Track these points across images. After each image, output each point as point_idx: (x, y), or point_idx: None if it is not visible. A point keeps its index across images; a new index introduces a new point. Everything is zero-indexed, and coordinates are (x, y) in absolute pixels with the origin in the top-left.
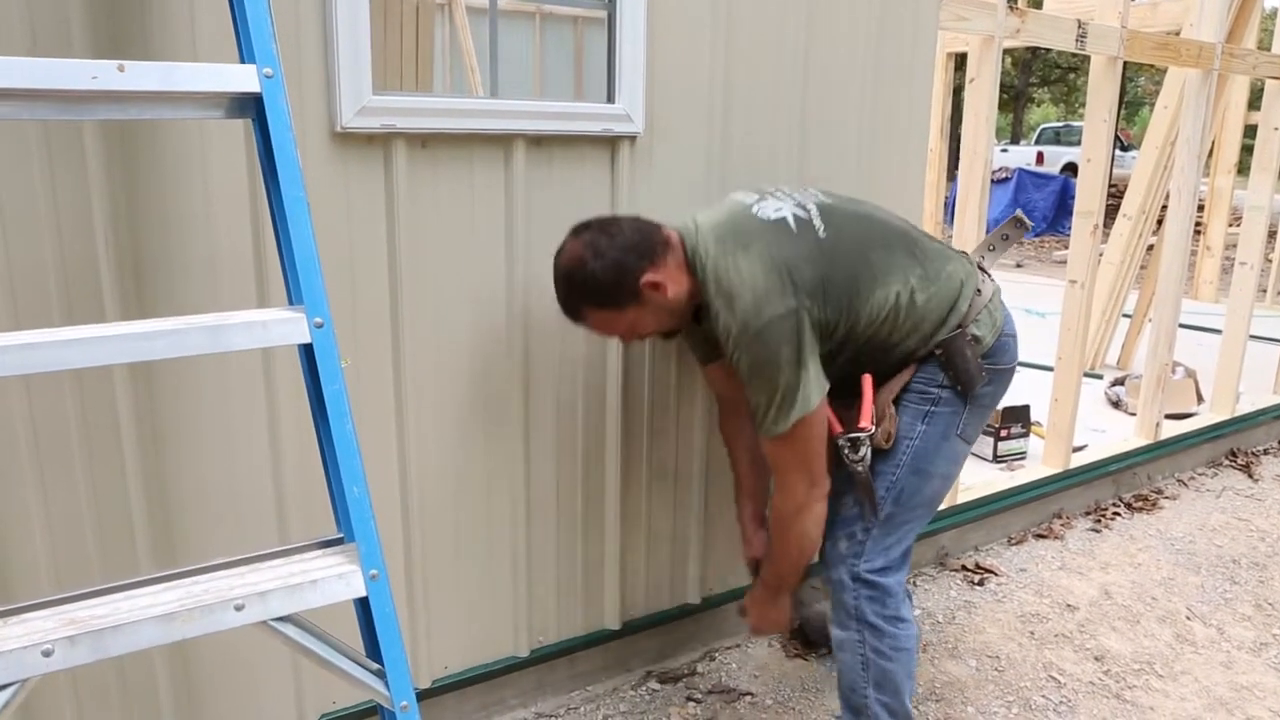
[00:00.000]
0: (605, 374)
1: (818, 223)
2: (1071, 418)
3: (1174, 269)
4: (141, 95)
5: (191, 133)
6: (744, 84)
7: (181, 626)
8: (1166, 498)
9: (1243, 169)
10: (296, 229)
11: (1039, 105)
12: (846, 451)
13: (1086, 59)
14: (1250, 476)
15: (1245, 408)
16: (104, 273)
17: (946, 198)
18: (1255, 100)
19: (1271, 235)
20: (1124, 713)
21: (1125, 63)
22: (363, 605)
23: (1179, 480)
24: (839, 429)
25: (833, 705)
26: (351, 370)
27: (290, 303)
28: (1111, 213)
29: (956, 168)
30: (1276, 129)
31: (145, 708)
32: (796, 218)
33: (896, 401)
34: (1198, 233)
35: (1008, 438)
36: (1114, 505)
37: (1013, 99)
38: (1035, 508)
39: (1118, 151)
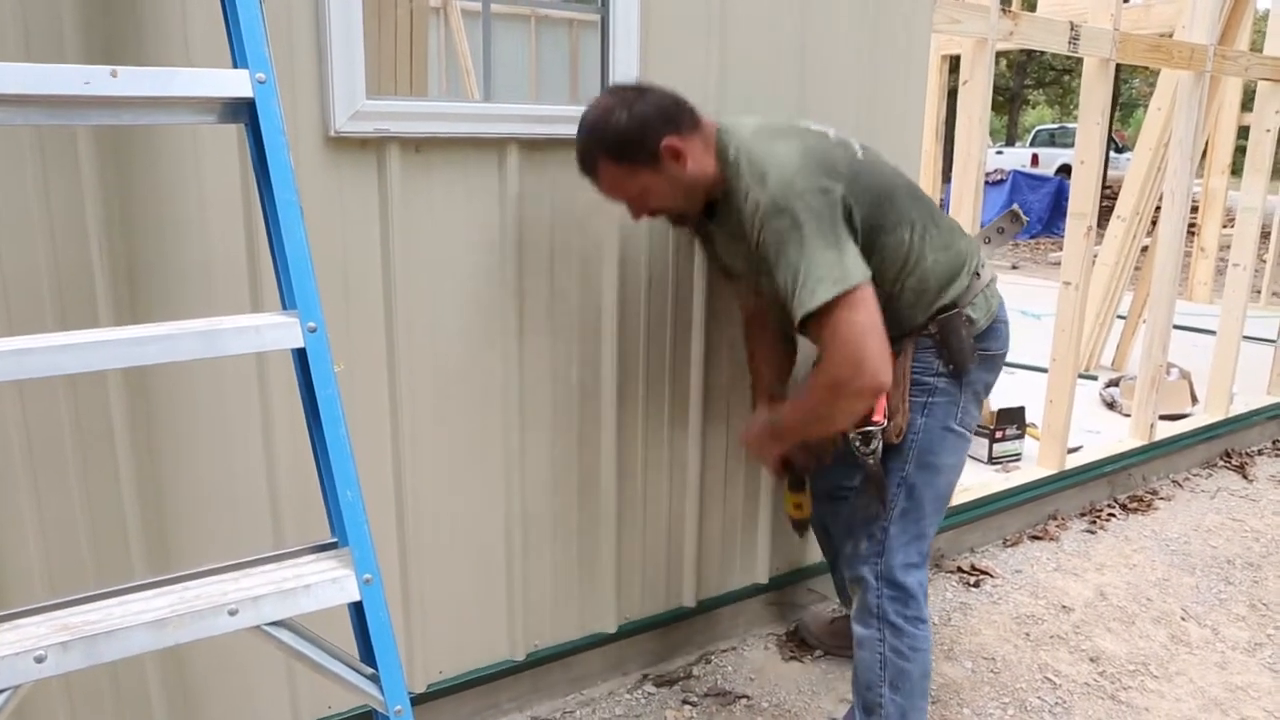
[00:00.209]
0: (600, 375)
1: (856, 147)
2: (1066, 419)
3: (1168, 270)
4: (135, 100)
5: (185, 137)
6: (739, 86)
7: (174, 632)
8: (1161, 499)
9: (1236, 170)
10: (289, 234)
11: (1034, 107)
12: (858, 444)
13: (1081, 61)
14: (1245, 477)
15: (1239, 408)
16: (98, 277)
17: (941, 199)
18: (1249, 101)
19: (1265, 236)
20: (1119, 714)
21: (1119, 65)
22: (357, 609)
23: (1174, 481)
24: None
25: (829, 708)
26: (345, 374)
27: (284, 307)
28: (1106, 214)
29: (951, 169)
30: (1269, 131)
31: (139, 713)
32: (838, 136)
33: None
34: (1192, 234)
35: (1003, 439)
36: (1109, 506)
37: (1008, 101)
38: (1030, 509)
39: (1112, 153)
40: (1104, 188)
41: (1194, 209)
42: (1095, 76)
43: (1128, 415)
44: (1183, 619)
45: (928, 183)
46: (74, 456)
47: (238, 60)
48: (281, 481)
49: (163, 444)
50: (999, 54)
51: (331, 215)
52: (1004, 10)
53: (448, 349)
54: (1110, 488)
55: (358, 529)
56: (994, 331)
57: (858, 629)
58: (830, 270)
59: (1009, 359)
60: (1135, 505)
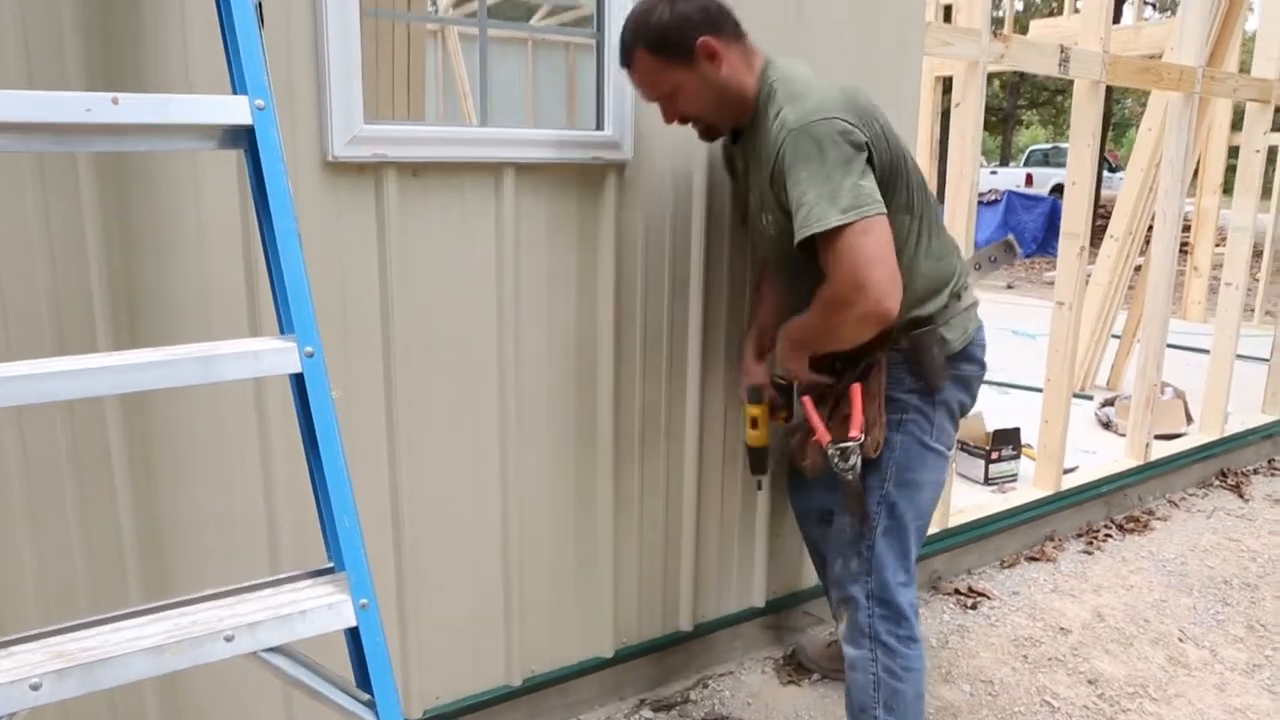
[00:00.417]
0: (596, 400)
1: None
2: (1061, 439)
3: (1160, 290)
4: (136, 127)
5: (184, 161)
6: None
7: (171, 658)
8: (1158, 519)
9: (1228, 189)
10: (288, 259)
11: (1027, 127)
12: (837, 460)
13: (1073, 82)
14: (1241, 496)
15: (1234, 428)
16: (97, 301)
17: None
18: (1239, 121)
19: (1257, 255)
20: None
21: (1110, 85)
22: (353, 635)
23: (1170, 501)
24: (827, 437)
25: None
26: (343, 399)
27: (281, 332)
28: (1100, 233)
29: (944, 189)
30: (1258, 151)
31: None
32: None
33: None
34: (1185, 253)
35: (998, 460)
36: (1105, 527)
37: (1001, 121)
38: (1027, 530)
39: (1105, 173)
40: (1097, 207)
41: (1186, 228)
42: (1086, 98)
43: (1123, 435)
44: (1181, 640)
45: None
46: (70, 478)
47: (237, 86)
48: (279, 505)
49: (160, 467)
50: (992, 75)
51: (329, 239)
52: (995, 34)
53: (445, 372)
54: (1107, 508)
55: (354, 554)
56: (969, 354)
57: (849, 650)
58: (845, 196)
59: (1004, 379)
60: (1132, 526)
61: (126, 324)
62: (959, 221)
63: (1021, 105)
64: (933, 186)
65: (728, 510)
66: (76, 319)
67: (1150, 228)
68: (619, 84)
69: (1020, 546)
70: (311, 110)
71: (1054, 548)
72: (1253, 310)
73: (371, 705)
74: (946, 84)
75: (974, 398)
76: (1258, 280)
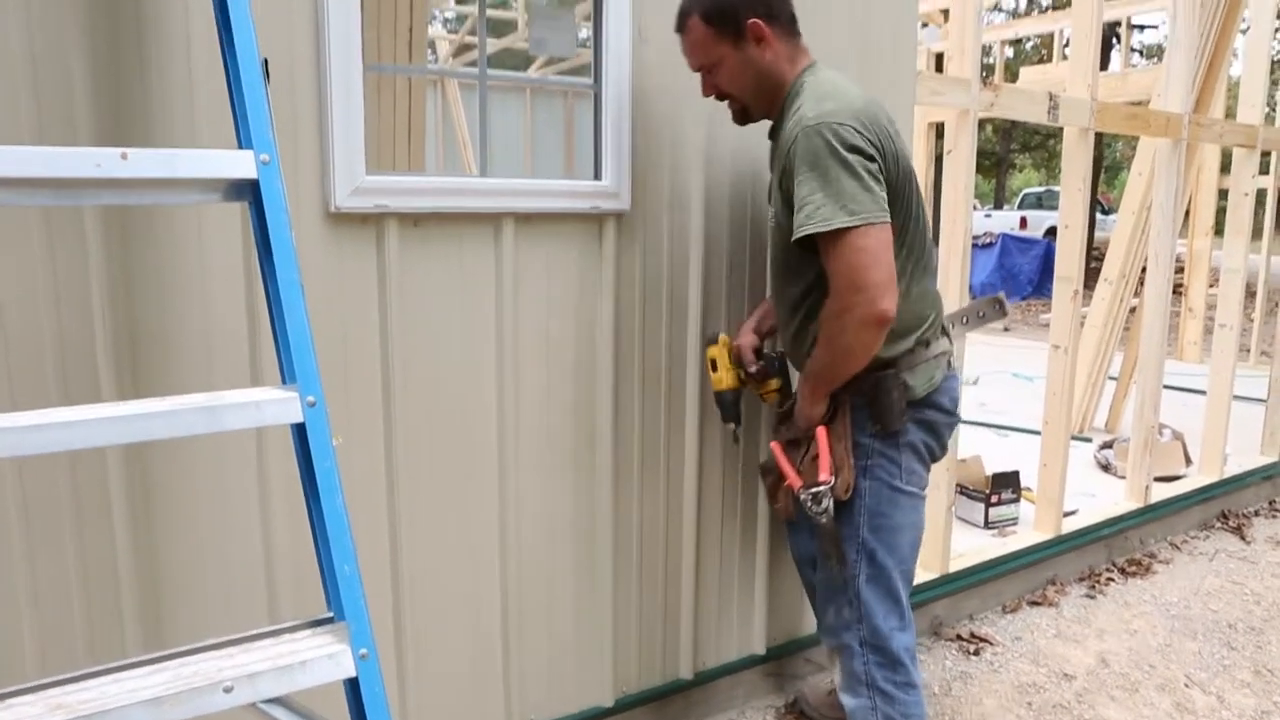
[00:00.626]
0: (595, 446)
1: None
2: (1061, 482)
3: (1155, 332)
4: (144, 182)
5: (188, 210)
6: (729, 156)
7: (170, 710)
8: (1160, 561)
9: (1219, 230)
10: (291, 310)
11: (1020, 170)
12: (809, 504)
13: (1063, 128)
14: (1242, 539)
15: (1233, 469)
16: (100, 348)
17: None
18: (1228, 164)
19: (1251, 296)
20: None
21: (1099, 132)
22: (352, 685)
23: (1171, 544)
24: (798, 483)
25: None
26: (343, 447)
27: (283, 381)
28: (1094, 276)
29: (938, 233)
30: (1246, 194)
31: None
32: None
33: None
34: (1179, 294)
35: (998, 504)
36: (1107, 570)
37: (995, 165)
38: (1029, 574)
39: (1099, 215)
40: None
41: (1180, 269)
42: (1075, 144)
43: (1123, 477)
44: (1187, 686)
45: None
46: (70, 522)
47: (243, 141)
48: (278, 552)
49: (159, 512)
50: (984, 120)
51: (331, 288)
52: (985, 82)
53: (445, 421)
54: (1108, 551)
55: (354, 603)
56: (932, 401)
57: (848, 700)
58: (850, 199)
59: (1003, 422)
60: (1134, 569)
61: (129, 369)
62: (953, 266)
63: (1014, 149)
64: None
65: (727, 556)
66: (80, 364)
67: (1143, 270)
68: (617, 134)
69: (1022, 591)
70: (314, 162)
71: (1056, 592)
72: (1249, 350)
73: None
74: (939, 130)
75: (944, 443)
76: (1252, 320)
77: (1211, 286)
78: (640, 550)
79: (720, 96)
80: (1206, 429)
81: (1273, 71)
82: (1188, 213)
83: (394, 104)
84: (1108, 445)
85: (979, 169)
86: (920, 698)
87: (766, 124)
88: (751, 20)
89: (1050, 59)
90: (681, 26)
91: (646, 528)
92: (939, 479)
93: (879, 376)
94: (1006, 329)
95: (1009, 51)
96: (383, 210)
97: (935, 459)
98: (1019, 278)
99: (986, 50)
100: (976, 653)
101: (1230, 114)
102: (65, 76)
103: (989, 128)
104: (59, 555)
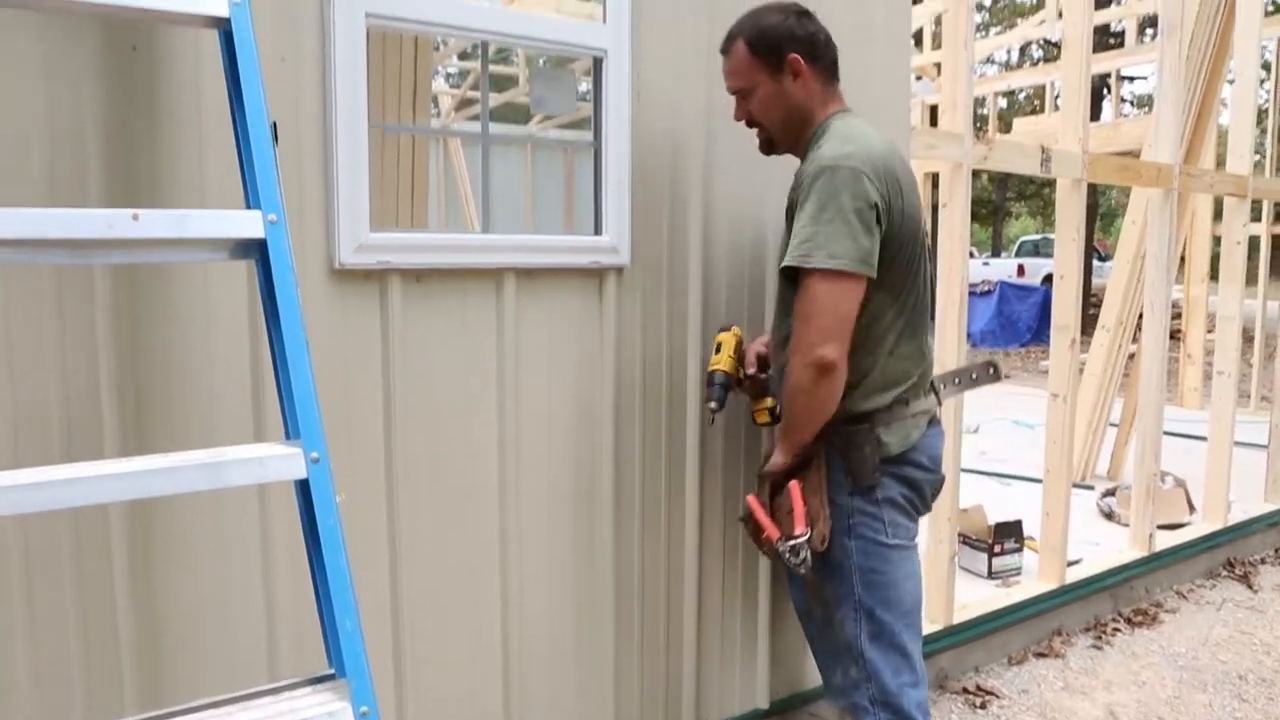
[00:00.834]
0: (595, 503)
1: (927, 231)
2: (1063, 532)
3: (1153, 380)
4: (154, 242)
5: (195, 265)
6: (727, 212)
7: None
8: (1166, 611)
9: (1215, 275)
10: (295, 366)
11: (1017, 218)
12: (788, 557)
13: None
14: (1249, 587)
15: (1238, 516)
16: (105, 402)
17: None
18: (1221, 209)
19: (1249, 341)
20: None
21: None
22: None
23: (1178, 592)
24: (775, 535)
25: None
26: (345, 503)
27: (287, 436)
28: (1092, 322)
29: (935, 283)
30: (1239, 242)
31: None
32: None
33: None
34: (1177, 339)
35: (1001, 553)
36: (1114, 620)
37: (991, 213)
38: (1034, 625)
39: (1096, 261)
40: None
41: (1177, 316)
42: (1069, 195)
43: (1126, 525)
44: None
45: None
46: (70, 574)
47: (251, 201)
48: (279, 607)
49: (160, 567)
50: (980, 170)
51: (334, 342)
52: (978, 136)
53: (446, 476)
54: (1114, 601)
55: (355, 659)
56: (910, 459)
57: None
58: (833, 244)
59: (1006, 470)
60: (1140, 619)
61: (133, 421)
62: (950, 316)
63: (1010, 197)
64: None
65: (728, 608)
66: (85, 416)
67: (1140, 316)
68: (617, 190)
69: (1028, 642)
70: (320, 219)
71: (1062, 643)
72: (1249, 396)
73: None
74: (935, 179)
75: (925, 498)
76: (1251, 366)
77: (1209, 332)
78: (642, 604)
79: (750, 123)
80: (1209, 476)
81: (1261, 120)
82: (1183, 258)
83: (397, 158)
84: (1110, 493)
85: (976, 217)
86: None
87: (769, 176)
88: (792, 55)
89: (1043, 110)
90: (726, 48)
91: (648, 578)
92: (941, 530)
93: (852, 430)
94: (1007, 376)
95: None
96: (386, 266)
97: (920, 512)
98: (1018, 325)
99: (981, 101)
100: (983, 706)
101: (1221, 161)
102: (79, 132)
103: (985, 177)
104: (58, 606)
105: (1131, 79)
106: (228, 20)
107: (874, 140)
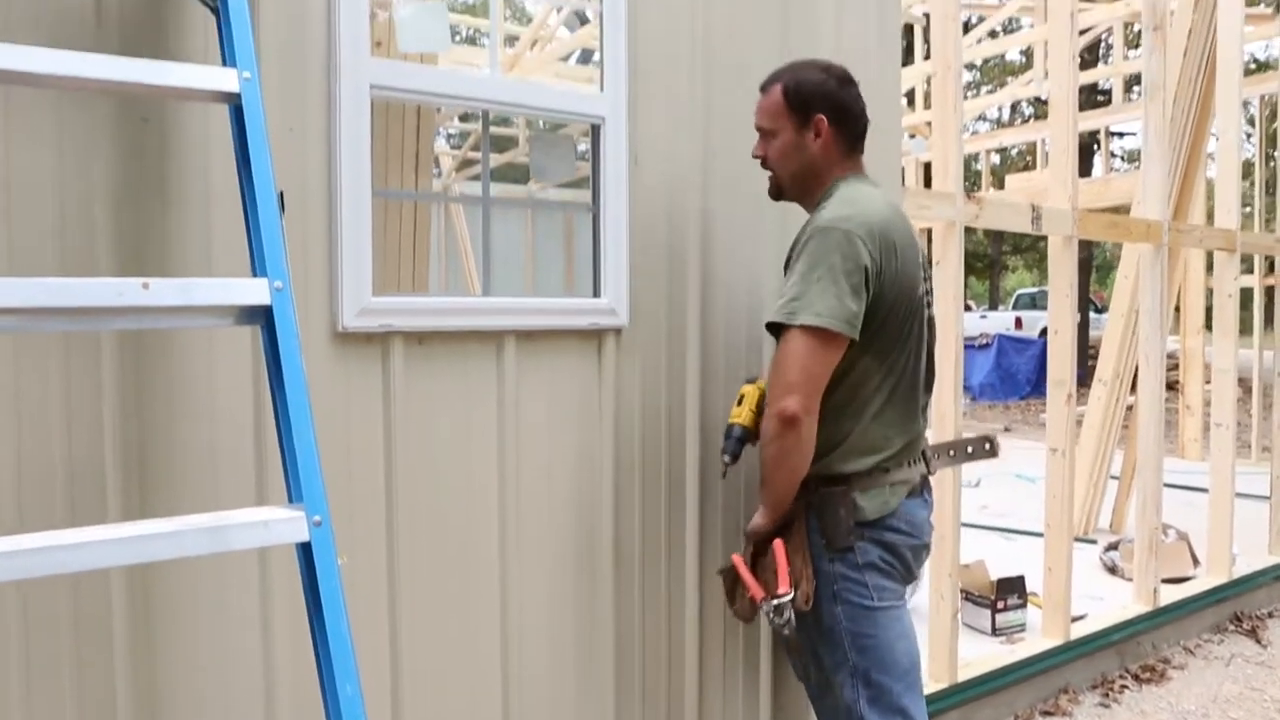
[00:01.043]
0: (596, 566)
1: (929, 299)
2: (1066, 586)
3: (1151, 434)
4: (162, 309)
5: (200, 330)
6: (724, 273)
7: None
8: (1174, 667)
9: (1210, 326)
10: (299, 430)
11: (1013, 271)
12: (772, 617)
13: None
14: (1258, 642)
15: (1242, 569)
16: (109, 464)
17: None
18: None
19: (1249, 391)
20: None
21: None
22: None
23: (1185, 648)
24: (760, 594)
25: None
26: (347, 566)
27: (290, 499)
28: (1094, 373)
29: None
30: (1230, 296)
31: None
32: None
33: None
34: (1175, 390)
35: (1005, 610)
36: (1121, 677)
37: (988, 267)
38: (1039, 682)
39: (1093, 314)
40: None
41: (1175, 366)
42: (1060, 252)
43: (1129, 579)
44: None
45: None
46: (69, 644)
47: (257, 268)
48: (278, 673)
49: (161, 634)
50: (973, 228)
51: (336, 404)
52: (968, 195)
53: (447, 537)
54: (1120, 657)
55: None
56: (889, 525)
57: None
58: (818, 303)
59: (1008, 525)
60: (1148, 675)
61: (136, 483)
62: (946, 374)
63: (1006, 250)
64: None
65: (730, 672)
66: (88, 476)
67: (1138, 369)
68: (615, 254)
69: (1034, 699)
70: (323, 283)
71: (1069, 700)
72: (1250, 446)
73: None
74: (929, 235)
75: (907, 563)
76: (1251, 416)
77: (1207, 383)
78: (643, 665)
79: (765, 165)
80: (1211, 530)
81: (1249, 174)
82: (1178, 308)
83: (400, 221)
84: (1113, 546)
85: (973, 270)
86: None
87: (765, 237)
88: (819, 115)
89: (1036, 165)
90: (765, 87)
91: (649, 641)
92: (943, 586)
93: (827, 492)
94: (1007, 429)
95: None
96: (388, 329)
97: (905, 579)
98: (1017, 377)
99: (974, 158)
100: None
101: (1211, 214)
102: (89, 199)
103: (980, 231)
104: (56, 676)
105: (1121, 134)
106: (238, 95)
107: (875, 205)
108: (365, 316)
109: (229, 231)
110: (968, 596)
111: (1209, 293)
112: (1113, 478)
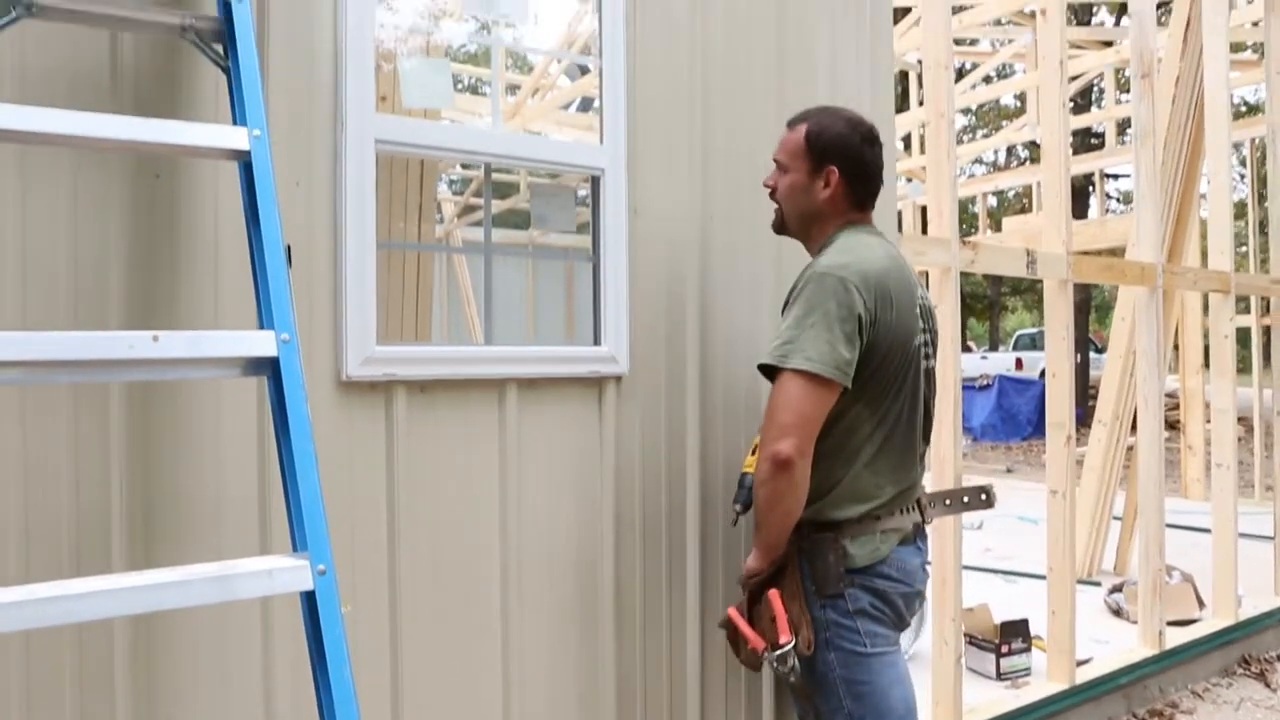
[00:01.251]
0: (598, 612)
1: (929, 351)
2: (1070, 630)
3: (1152, 476)
4: (172, 361)
5: (208, 380)
6: (723, 320)
7: None
8: (1182, 712)
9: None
10: (304, 480)
11: (1013, 312)
12: (776, 666)
13: None
14: (1267, 685)
15: (1249, 611)
16: (115, 513)
17: None
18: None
19: (1250, 430)
20: None
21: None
22: None
23: (1193, 692)
24: (761, 645)
25: None
26: (349, 615)
27: (294, 548)
28: (1094, 412)
29: None
30: (1226, 337)
31: None
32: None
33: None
34: (1176, 429)
35: (1009, 653)
36: None
37: (987, 308)
38: None
39: (1093, 354)
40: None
41: (1175, 406)
42: (1056, 295)
43: (1134, 622)
44: None
45: None
46: (71, 695)
47: (264, 321)
48: (280, 719)
49: (162, 686)
50: (969, 272)
51: (340, 451)
52: (964, 241)
53: (449, 583)
54: (1127, 701)
55: None
56: (879, 571)
57: None
58: (810, 347)
59: (1011, 568)
60: None
61: (141, 531)
62: (945, 417)
63: (1005, 291)
64: None
65: (732, 716)
66: (94, 527)
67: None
68: (615, 302)
69: None
70: (328, 333)
71: None
72: (1252, 485)
73: None
74: (926, 278)
75: (898, 610)
76: (1253, 454)
77: (1208, 423)
78: (645, 716)
79: (773, 196)
80: (1216, 571)
81: (1243, 215)
82: (1176, 347)
83: (403, 269)
84: (1117, 589)
85: (972, 311)
86: None
87: (763, 283)
88: (832, 167)
89: (1031, 208)
90: (792, 124)
91: (650, 690)
92: (946, 630)
93: (818, 537)
94: (1009, 470)
95: (993, 200)
96: (391, 378)
97: (898, 625)
98: (1018, 418)
99: (971, 201)
100: None
101: (1205, 252)
102: (103, 253)
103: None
104: None
105: (1116, 176)
106: (248, 152)
107: (874, 255)
108: (369, 366)
109: (236, 283)
110: (972, 640)
111: (1207, 332)
112: (1116, 519)
